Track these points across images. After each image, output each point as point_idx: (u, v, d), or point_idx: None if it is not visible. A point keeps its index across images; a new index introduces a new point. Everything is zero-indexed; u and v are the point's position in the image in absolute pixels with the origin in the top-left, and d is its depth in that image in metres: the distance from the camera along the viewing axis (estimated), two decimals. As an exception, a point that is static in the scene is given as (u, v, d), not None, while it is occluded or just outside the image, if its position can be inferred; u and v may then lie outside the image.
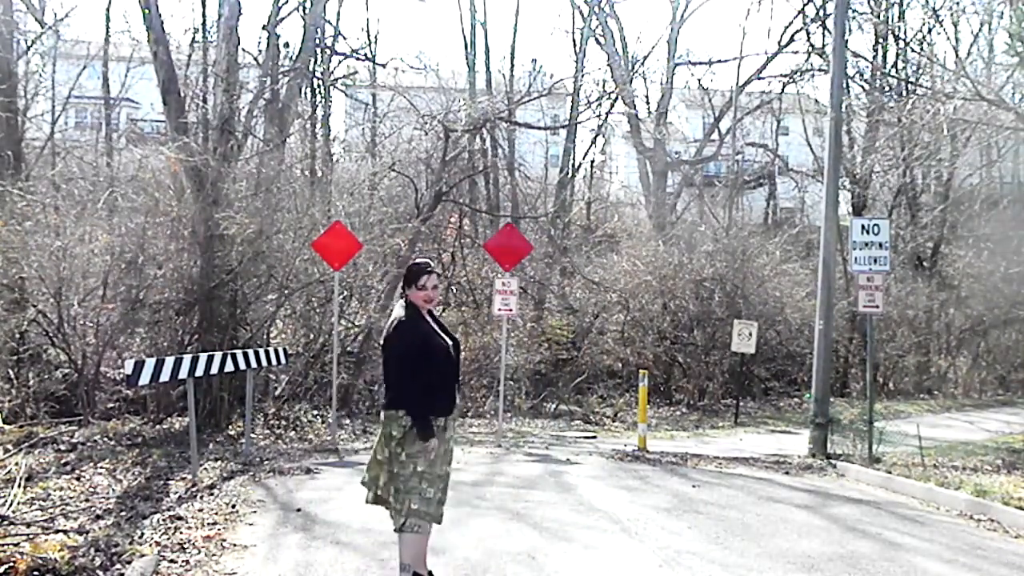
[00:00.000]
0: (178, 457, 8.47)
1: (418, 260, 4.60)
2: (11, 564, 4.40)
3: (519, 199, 21.32)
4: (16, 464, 7.11)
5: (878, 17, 20.30)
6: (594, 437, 12.77)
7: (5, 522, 5.28)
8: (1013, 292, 21.87)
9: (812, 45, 23.30)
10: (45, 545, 4.83)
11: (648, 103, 28.26)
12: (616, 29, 24.79)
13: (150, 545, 5.23)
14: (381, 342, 4.51)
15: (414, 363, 4.24)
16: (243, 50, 15.02)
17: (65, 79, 18.80)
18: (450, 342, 4.51)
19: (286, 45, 18.22)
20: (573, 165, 23.58)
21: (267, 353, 9.69)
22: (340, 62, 21.39)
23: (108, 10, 29.21)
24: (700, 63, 26.80)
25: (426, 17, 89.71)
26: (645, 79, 28.54)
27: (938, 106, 12.52)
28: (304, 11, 16.32)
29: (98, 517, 5.92)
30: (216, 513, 6.24)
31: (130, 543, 5.18)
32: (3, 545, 4.74)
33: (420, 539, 4.33)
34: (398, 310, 4.43)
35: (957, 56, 16.59)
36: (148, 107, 25.41)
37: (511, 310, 11.45)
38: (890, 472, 9.16)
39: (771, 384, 19.62)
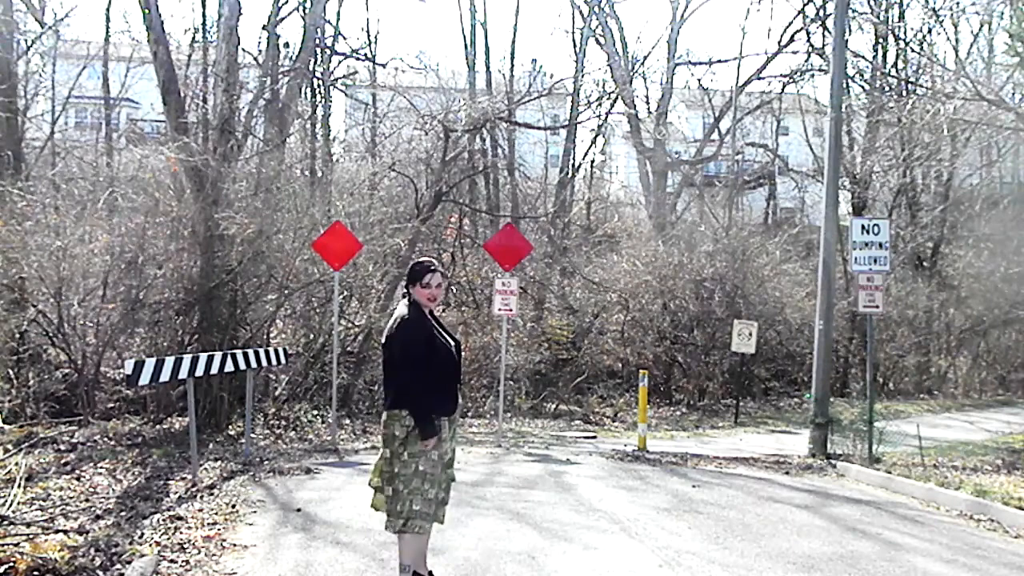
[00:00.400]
0: (178, 457, 8.47)
1: (422, 259, 4.58)
2: (11, 564, 4.40)
3: (519, 199, 21.34)
4: (16, 464, 7.11)
5: (878, 17, 20.30)
6: (594, 437, 12.77)
7: (5, 522, 5.28)
8: (1013, 292, 21.86)
9: (812, 45, 23.32)
10: (45, 545, 4.83)
11: (648, 103, 28.30)
12: (616, 29, 24.80)
13: (150, 545, 5.23)
14: (383, 341, 4.49)
15: (417, 362, 4.23)
16: (243, 50, 15.02)
17: (65, 79, 18.81)
18: (452, 343, 4.50)
19: (286, 45, 18.24)
20: (573, 165, 23.59)
21: (267, 353, 9.69)
22: (340, 62, 21.39)
23: (108, 10, 29.28)
24: (700, 63, 26.84)
25: (426, 17, 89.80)
26: (645, 79, 28.64)
27: (938, 106, 12.52)
28: (304, 11, 16.31)
29: (98, 517, 5.92)
30: (216, 513, 6.24)
31: (130, 543, 5.18)
32: (3, 545, 4.74)
33: (420, 539, 4.33)
34: (401, 308, 4.41)
35: (957, 56, 16.61)
36: (148, 107, 25.44)
37: (511, 310, 11.45)
38: (890, 472, 9.16)
39: (771, 384, 19.63)
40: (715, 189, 29.83)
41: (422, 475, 4.24)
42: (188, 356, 7.73)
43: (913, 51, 20.38)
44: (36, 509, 5.98)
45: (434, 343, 4.34)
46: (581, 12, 23.96)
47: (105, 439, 9.30)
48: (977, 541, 6.48)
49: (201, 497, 6.78)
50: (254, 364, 9.11)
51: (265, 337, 12.27)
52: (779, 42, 24.52)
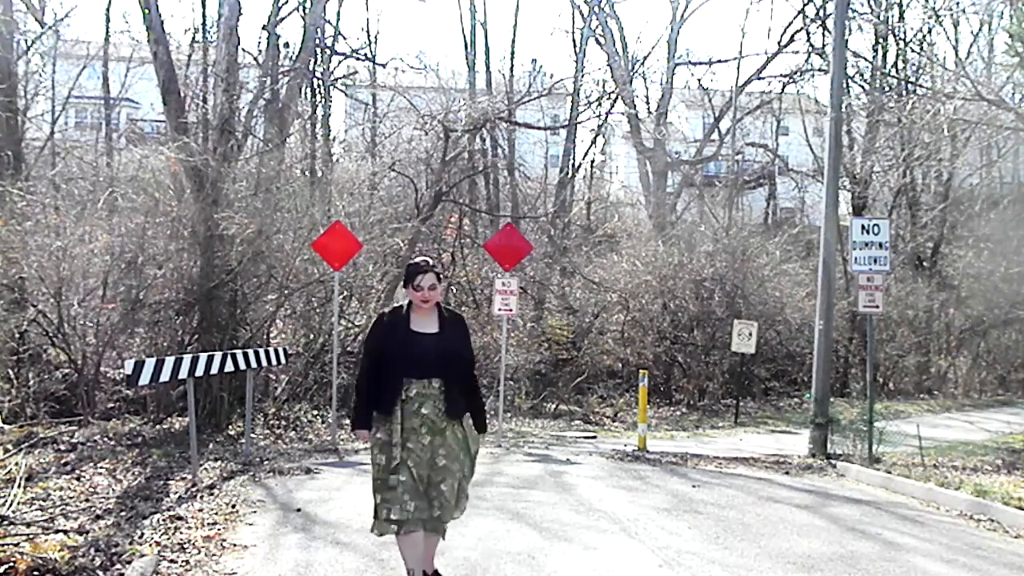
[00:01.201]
0: (178, 457, 8.47)
1: (417, 259, 4.49)
2: (11, 564, 4.40)
3: (519, 199, 21.35)
4: (16, 464, 7.11)
5: (878, 17, 20.28)
6: (594, 437, 12.77)
7: (5, 522, 5.28)
8: (1013, 292, 21.86)
9: (812, 45, 23.33)
10: (45, 545, 4.83)
11: (648, 103, 28.30)
12: (616, 29, 24.81)
13: (150, 545, 5.23)
14: None
15: (365, 356, 4.46)
16: (243, 50, 15.02)
17: (65, 79, 18.81)
18: (433, 344, 4.28)
19: (286, 45, 18.24)
20: (573, 165, 23.59)
21: (267, 353, 9.69)
22: (340, 62, 21.42)
23: (108, 10, 29.23)
24: (700, 63, 26.87)
25: (426, 17, 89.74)
26: (645, 79, 28.61)
27: (938, 106, 12.52)
28: (304, 11, 16.32)
29: (98, 517, 5.91)
30: (216, 513, 6.24)
31: (130, 543, 5.18)
32: (3, 545, 4.74)
33: (405, 540, 4.17)
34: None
35: (957, 56, 16.62)
36: (148, 107, 25.46)
37: (511, 310, 11.45)
38: (890, 472, 9.15)
39: (771, 384, 19.62)
40: (715, 189, 29.83)
41: (374, 480, 4.24)
42: (188, 356, 7.73)
43: (913, 51, 20.40)
44: (36, 509, 5.98)
45: (382, 341, 4.29)
46: (581, 12, 23.98)
47: (105, 439, 9.30)
48: (977, 541, 6.48)
49: (201, 497, 6.78)
50: (254, 364, 9.11)
51: (265, 337, 12.27)
52: (779, 42, 24.55)
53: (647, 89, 29.62)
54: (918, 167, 22.25)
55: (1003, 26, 16.93)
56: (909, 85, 18.16)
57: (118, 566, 4.73)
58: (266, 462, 8.63)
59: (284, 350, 10.70)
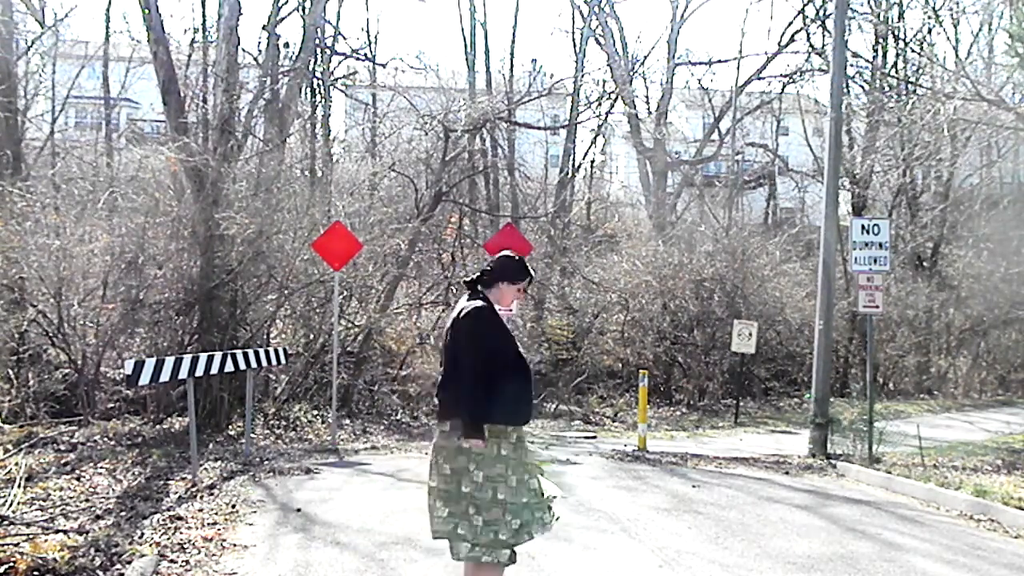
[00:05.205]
0: (178, 457, 8.47)
1: (518, 257, 4.16)
2: (11, 564, 4.40)
3: (519, 199, 21.33)
4: (16, 464, 7.10)
5: (878, 17, 20.28)
6: (594, 437, 12.77)
7: (5, 522, 5.27)
8: (1013, 292, 21.86)
9: (812, 45, 23.33)
10: (45, 545, 4.83)
11: (648, 103, 28.29)
12: (616, 29, 24.82)
13: (150, 545, 5.23)
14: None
15: (485, 352, 3.88)
16: (243, 50, 15.01)
17: (65, 79, 18.84)
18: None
19: (286, 45, 18.21)
20: (573, 165, 23.57)
21: (267, 353, 9.69)
22: (340, 62, 21.39)
23: (108, 10, 29.25)
24: (700, 63, 26.86)
25: (426, 17, 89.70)
26: (645, 79, 28.56)
27: (938, 106, 12.52)
28: (304, 11, 16.30)
29: (98, 517, 5.92)
30: (216, 513, 6.24)
31: (130, 543, 5.18)
32: (3, 545, 4.74)
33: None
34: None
35: (957, 56, 16.60)
36: (148, 107, 25.47)
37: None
38: (890, 472, 9.15)
39: (771, 384, 19.62)
40: (715, 189, 29.83)
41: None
42: (188, 356, 7.73)
43: (913, 51, 20.37)
44: (36, 509, 5.98)
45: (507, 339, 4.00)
46: (581, 12, 23.96)
47: (105, 439, 9.30)
48: (977, 541, 6.48)
49: (201, 497, 6.78)
50: (254, 364, 9.11)
51: (265, 337, 12.26)
52: (779, 42, 24.58)
53: (647, 89, 29.61)
54: (918, 167, 22.24)
55: (1003, 26, 16.91)
56: (909, 85, 18.14)
57: (118, 566, 4.73)
58: (266, 462, 8.64)
59: (284, 350, 10.70)
